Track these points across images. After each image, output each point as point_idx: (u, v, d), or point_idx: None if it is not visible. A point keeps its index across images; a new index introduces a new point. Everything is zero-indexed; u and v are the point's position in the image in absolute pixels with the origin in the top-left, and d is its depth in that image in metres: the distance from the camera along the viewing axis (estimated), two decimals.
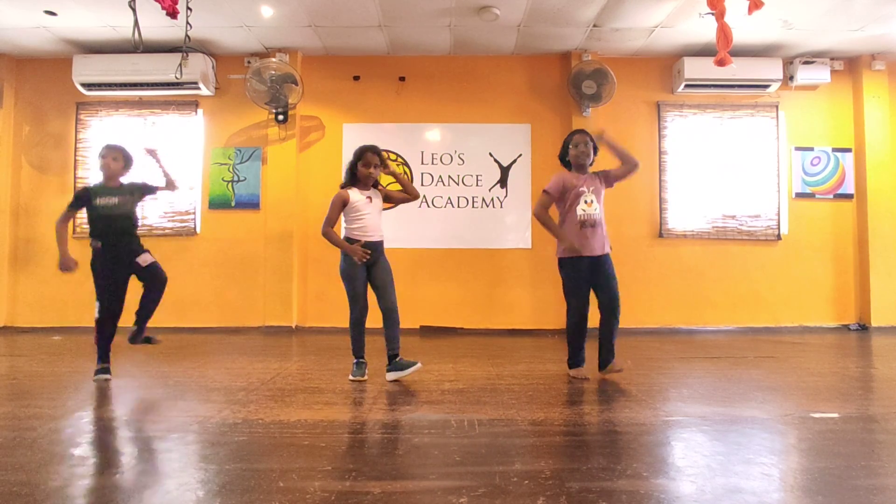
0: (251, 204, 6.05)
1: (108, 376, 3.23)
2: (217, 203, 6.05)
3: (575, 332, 3.44)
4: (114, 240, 3.30)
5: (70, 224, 5.83)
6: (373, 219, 3.30)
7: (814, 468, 1.87)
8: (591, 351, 3.50)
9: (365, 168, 3.29)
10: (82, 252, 5.97)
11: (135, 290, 3.41)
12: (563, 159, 3.54)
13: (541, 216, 3.43)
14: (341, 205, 3.29)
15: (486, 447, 2.07)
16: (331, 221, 3.25)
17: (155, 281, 3.37)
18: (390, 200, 3.51)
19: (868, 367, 3.94)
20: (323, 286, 6.02)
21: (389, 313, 3.29)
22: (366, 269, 3.30)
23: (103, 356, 3.28)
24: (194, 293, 5.88)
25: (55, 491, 1.65)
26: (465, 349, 4.66)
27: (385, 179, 4.05)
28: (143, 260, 3.33)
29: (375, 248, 3.30)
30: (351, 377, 3.28)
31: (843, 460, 1.92)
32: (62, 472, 1.82)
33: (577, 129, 3.52)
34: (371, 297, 3.35)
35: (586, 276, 3.34)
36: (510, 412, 2.58)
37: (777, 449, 2.13)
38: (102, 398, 2.89)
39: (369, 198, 3.32)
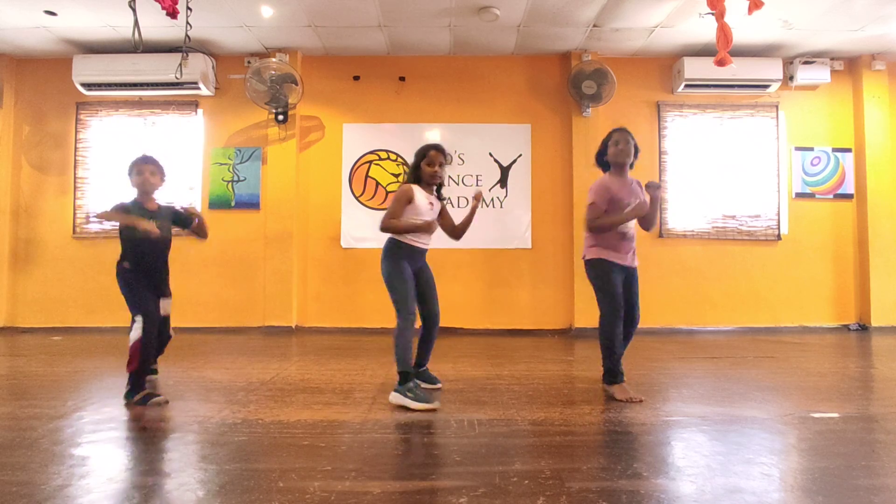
0: (251, 204, 6.05)
1: (162, 396, 2.79)
2: (217, 203, 6.05)
3: (613, 338, 2.96)
4: (144, 267, 2.97)
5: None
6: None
7: (814, 468, 1.87)
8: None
9: (429, 167, 2.97)
10: (82, 252, 6.00)
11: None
12: (601, 158, 3.20)
13: (596, 227, 3.02)
14: (406, 201, 2.91)
15: (486, 447, 2.07)
16: (394, 215, 2.88)
17: (161, 336, 3.03)
18: (440, 217, 3.11)
19: (868, 367, 3.94)
20: (323, 286, 6.03)
21: (434, 324, 3.08)
22: (414, 274, 3.01)
23: (143, 382, 2.81)
24: (194, 293, 5.88)
25: (55, 491, 1.65)
26: (465, 349, 4.65)
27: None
28: (164, 308, 3.02)
29: (423, 255, 3.06)
30: (415, 405, 2.63)
31: (843, 460, 1.92)
32: (62, 472, 1.82)
33: (618, 128, 3.18)
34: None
35: (619, 280, 3.05)
36: (510, 412, 2.58)
37: (777, 449, 2.13)
38: (103, 399, 2.89)
39: (431, 203, 3.02)
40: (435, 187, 3.08)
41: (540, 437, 2.21)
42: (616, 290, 3.00)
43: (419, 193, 2.95)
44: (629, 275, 3.09)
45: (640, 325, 2.99)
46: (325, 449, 2.06)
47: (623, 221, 3.00)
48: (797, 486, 1.71)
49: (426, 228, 2.91)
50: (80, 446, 2.12)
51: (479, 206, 3.12)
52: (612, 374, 2.95)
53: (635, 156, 3.14)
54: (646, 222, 3.13)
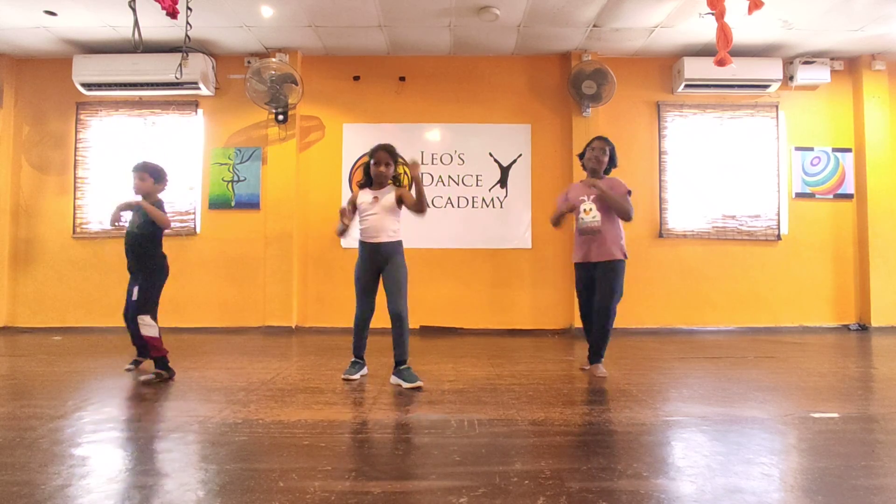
0: (251, 204, 6.05)
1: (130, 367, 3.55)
2: (217, 203, 6.05)
3: (583, 325, 3.62)
4: (127, 255, 3.42)
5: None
6: (376, 220, 3.19)
7: (814, 468, 1.87)
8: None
9: (375, 167, 3.21)
10: (82, 252, 6.00)
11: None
12: (581, 159, 3.62)
13: (552, 222, 3.66)
14: (351, 204, 3.33)
15: (486, 447, 2.07)
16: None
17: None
18: (403, 203, 3.24)
19: (868, 367, 3.94)
20: (323, 286, 6.03)
21: (392, 320, 3.19)
22: (375, 271, 3.25)
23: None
24: (194, 293, 5.88)
25: (55, 491, 1.65)
26: (465, 349, 4.66)
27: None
28: (132, 291, 3.37)
29: (377, 250, 3.21)
30: (343, 375, 3.33)
31: (843, 460, 1.92)
32: (62, 472, 1.82)
33: (599, 136, 3.58)
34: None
35: (585, 281, 3.48)
36: (510, 412, 2.58)
37: (777, 449, 2.13)
38: (103, 399, 2.89)
39: (376, 198, 3.22)
40: (392, 179, 3.28)
41: (540, 437, 2.21)
42: (579, 295, 3.57)
43: (363, 194, 3.28)
44: (594, 268, 3.40)
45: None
46: (325, 449, 2.06)
47: (557, 213, 3.57)
48: (797, 486, 1.71)
49: (342, 220, 3.24)
50: (81, 446, 2.12)
51: (420, 175, 3.28)
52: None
53: (612, 164, 3.53)
54: (617, 210, 3.43)
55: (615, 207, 3.37)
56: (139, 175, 3.34)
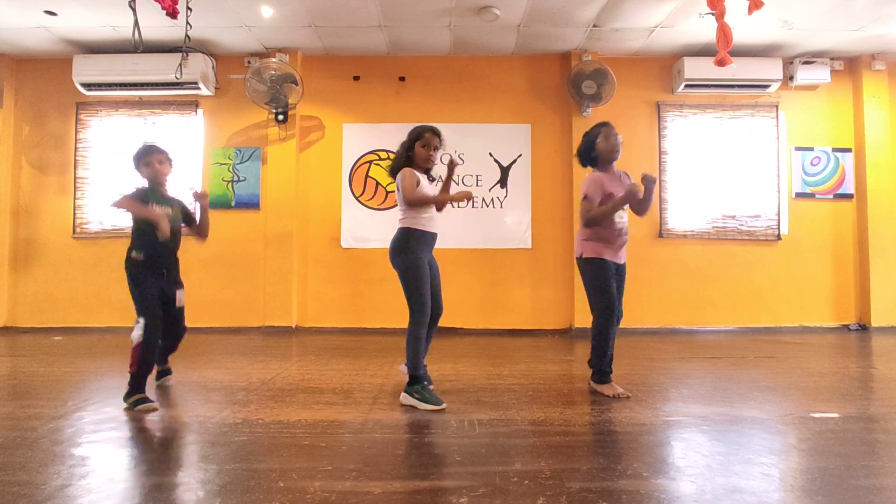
0: (251, 204, 6.05)
1: (153, 403, 2.68)
2: (217, 203, 6.04)
3: (608, 339, 2.97)
4: (160, 256, 2.86)
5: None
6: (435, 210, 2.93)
7: (814, 468, 1.87)
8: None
9: (424, 149, 2.84)
10: (82, 252, 5.99)
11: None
12: (588, 155, 3.11)
13: (592, 220, 2.97)
14: (416, 180, 2.78)
15: (486, 447, 2.07)
16: (415, 190, 2.75)
17: (178, 328, 3.01)
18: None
19: (868, 367, 3.94)
20: (323, 286, 6.02)
21: (437, 321, 3.01)
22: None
23: (141, 385, 2.70)
24: (194, 293, 5.81)
25: (56, 491, 1.65)
26: (465, 349, 4.66)
27: None
28: (179, 299, 2.96)
29: (435, 242, 2.94)
30: (427, 406, 2.63)
31: (843, 460, 1.92)
32: (62, 472, 1.82)
33: (602, 122, 3.10)
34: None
35: (613, 279, 3.04)
36: (510, 412, 2.58)
37: (777, 449, 2.13)
38: (103, 399, 2.89)
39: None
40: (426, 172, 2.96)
41: (540, 437, 2.21)
42: (612, 289, 2.98)
43: (423, 178, 2.85)
44: (619, 272, 3.07)
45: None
46: (325, 449, 2.06)
47: (616, 208, 2.93)
48: (797, 486, 1.71)
49: (459, 199, 2.76)
50: (81, 446, 2.12)
51: (468, 202, 3.00)
52: (604, 374, 2.99)
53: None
54: (640, 207, 3.08)
55: (648, 203, 3.04)
56: (158, 159, 2.89)
